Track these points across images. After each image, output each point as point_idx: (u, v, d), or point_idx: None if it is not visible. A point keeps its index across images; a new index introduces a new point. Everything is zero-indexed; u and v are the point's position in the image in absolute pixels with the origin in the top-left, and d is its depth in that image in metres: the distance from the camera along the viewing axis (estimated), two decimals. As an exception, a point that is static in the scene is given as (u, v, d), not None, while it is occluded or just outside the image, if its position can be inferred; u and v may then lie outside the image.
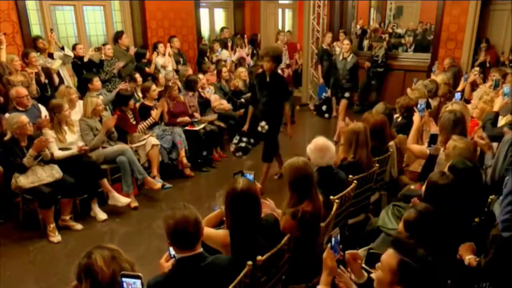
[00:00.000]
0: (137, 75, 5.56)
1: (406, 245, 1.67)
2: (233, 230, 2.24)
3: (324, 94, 8.05)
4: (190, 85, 5.75)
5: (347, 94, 6.52)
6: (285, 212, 2.47)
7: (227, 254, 2.21)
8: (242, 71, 6.79)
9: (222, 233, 2.29)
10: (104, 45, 5.75)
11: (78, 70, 5.52)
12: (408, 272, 1.57)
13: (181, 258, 1.90)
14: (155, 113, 5.05)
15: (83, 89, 5.02)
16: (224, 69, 6.54)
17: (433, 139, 3.27)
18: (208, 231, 2.26)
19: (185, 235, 1.88)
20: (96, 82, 4.95)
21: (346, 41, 6.46)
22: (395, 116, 4.30)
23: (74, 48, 5.54)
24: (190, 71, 6.37)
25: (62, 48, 5.26)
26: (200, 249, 1.93)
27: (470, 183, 2.47)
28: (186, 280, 1.86)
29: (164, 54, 6.31)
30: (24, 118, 3.74)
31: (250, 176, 2.54)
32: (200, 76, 6.13)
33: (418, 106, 3.89)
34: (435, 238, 2.01)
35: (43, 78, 4.72)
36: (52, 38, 5.09)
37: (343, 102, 6.58)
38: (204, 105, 5.92)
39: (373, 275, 2.01)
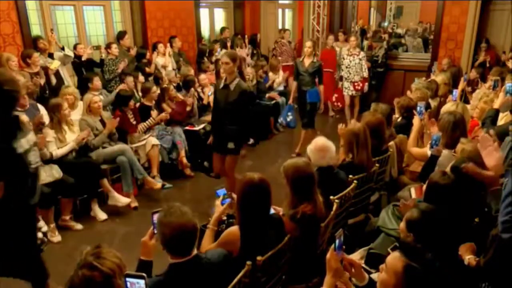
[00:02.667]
0: (140, 75, 5.57)
1: (412, 249, 1.67)
2: (245, 224, 2.24)
3: (287, 116, 6.40)
4: (187, 85, 5.78)
5: (230, 145, 3.95)
6: (284, 213, 2.47)
7: (235, 251, 2.20)
8: (249, 72, 6.80)
9: (232, 230, 2.28)
10: (109, 44, 5.76)
11: (78, 70, 5.53)
12: (414, 276, 1.57)
13: (175, 263, 1.86)
14: (155, 114, 5.05)
15: (83, 88, 5.03)
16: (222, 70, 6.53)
17: (436, 140, 3.27)
18: (213, 245, 2.29)
19: (182, 244, 1.84)
20: (96, 81, 4.95)
21: (225, 58, 3.85)
22: (394, 116, 4.29)
23: (75, 47, 5.55)
24: (192, 71, 6.39)
25: (63, 48, 5.26)
26: (195, 252, 1.90)
27: (472, 183, 2.46)
28: (182, 284, 1.84)
29: (164, 54, 6.32)
30: (23, 118, 3.74)
31: (222, 191, 2.67)
32: (202, 76, 6.13)
33: (418, 109, 3.89)
34: (437, 238, 2.02)
35: (42, 81, 4.71)
36: (52, 38, 5.09)
37: (228, 160, 4.05)
38: (203, 106, 5.93)
39: (373, 276, 2.01)
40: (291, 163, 2.53)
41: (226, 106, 3.91)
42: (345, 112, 7.28)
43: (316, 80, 5.66)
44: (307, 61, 5.66)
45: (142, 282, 1.59)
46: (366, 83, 7.09)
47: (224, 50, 7.37)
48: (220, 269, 1.95)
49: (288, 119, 6.26)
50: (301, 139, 5.89)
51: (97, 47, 5.71)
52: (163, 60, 6.29)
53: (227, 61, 3.84)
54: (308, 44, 5.73)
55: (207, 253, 2.00)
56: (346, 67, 6.95)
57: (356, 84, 6.99)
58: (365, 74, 6.99)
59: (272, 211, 2.52)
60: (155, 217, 1.94)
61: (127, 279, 1.60)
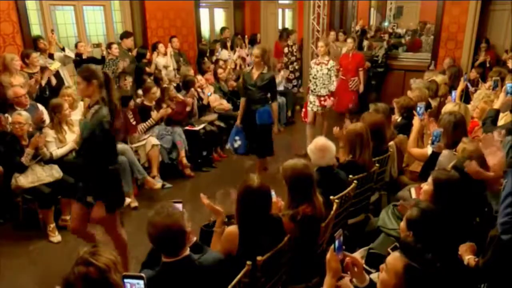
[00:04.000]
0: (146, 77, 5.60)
1: (413, 249, 1.67)
2: (243, 226, 2.24)
3: (234, 141, 4.81)
4: (187, 85, 5.79)
5: (89, 199, 2.85)
6: (284, 214, 2.46)
7: (235, 251, 2.20)
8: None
9: (231, 229, 2.28)
10: (110, 44, 5.77)
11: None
12: (414, 276, 1.57)
13: (166, 262, 1.88)
14: (155, 115, 5.05)
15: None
16: (219, 70, 6.55)
17: (437, 136, 3.27)
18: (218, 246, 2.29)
19: (168, 245, 1.86)
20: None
21: (78, 77, 2.89)
22: (394, 116, 4.28)
23: (76, 46, 5.57)
24: (192, 71, 6.40)
25: (63, 49, 5.26)
26: (186, 253, 1.90)
27: (472, 183, 2.46)
28: (171, 283, 1.85)
29: (164, 54, 6.32)
30: (20, 116, 3.76)
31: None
32: (199, 77, 6.14)
33: (417, 109, 3.89)
34: (437, 237, 2.02)
35: (43, 82, 4.71)
36: (52, 38, 5.09)
37: (96, 214, 2.89)
38: (203, 106, 5.94)
39: (373, 276, 2.01)
40: (290, 164, 2.53)
41: (83, 142, 2.88)
42: (307, 131, 5.94)
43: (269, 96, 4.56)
44: (255, 73, 4.49)
45: (141, 282, 1.60)
46: (332, 98, 5.89)
47: (224, 50, 7.39)
48: (213, 273, 1.94)
49: (236, 145, 4.79)
50: (256, 168, 4.80)
51: (97, 45, 5.72)
52: (164, 60, 6.29)
53: (78, 81, 2.84)
54: (256, 52, 4.50)
55: (202, 256, 1.99)
56: (313, 78, 5.74)
57: (322, 99, 5.78)
58: (333, 88, 5.78)
59: (273, 197, 2.53)
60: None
61: (125, 280, 1.60)
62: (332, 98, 5.87)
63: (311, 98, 5.86)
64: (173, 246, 1.86)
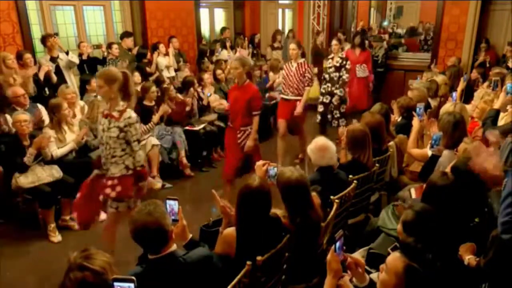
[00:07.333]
0: (137, 74, 5.58)
1: (413, 249, 1.67)
2: (242, 226, 2.24)
3: None
4: (186, 85, 5.79)
5: None
6: (284, 215, 2.45)
7: (232, 252, 2.20)
8: None
9: (229, 231, 2.27)
10: (110, 44, 5.77)
11: (81, 68, 5.55)
12: (415, 277, 1.57)
13: (151, 259, 1.90)
14: (156, 118, 5.03)
15: (83, 89, 5.04)
16: (218, 71, 6.54)
17: (436, 140, 3.27)
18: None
19: (146, 242, 1.90)
20: (94, 83, 4.95)
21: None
22: (394, 116, 4.28)
23: (79, 46, 5.58)
24: (188, 72, 6.39)
25: (67, 53, 5.26)
26: (170, 250, 1.91)
27: (472, 183, 2.46)
28: (155, 280, 1.86)
29: (165, 54, 6.32)
30: (20, 116, 3.76)
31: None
32: (206, 75, 6.13)
33: (417, 110, 3.89)
34: (434, 238, 2.02)
35: (41, 74, 4.69)
36: (55, 42, 5.08)
37: None
38: (203, 106, 5.94)
39: (373, 276, 2.01)
40: (285, 175, 2.45)
41: None
42: None
43: None
44: None
45: (132, 285, 1.59)
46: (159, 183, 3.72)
47: (224, 50, 7.39)
48: (197, 269, 1.94)
49: None
50: None
51: (98, 46, 5.72)
52: (166, 60, 6.29)
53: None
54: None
55: (189, 252, 2.00)
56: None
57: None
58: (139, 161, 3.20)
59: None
60: (168, 204, 2.14)
61: (115, 283, 1.59)
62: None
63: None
64: (152, 243, 1.89)
